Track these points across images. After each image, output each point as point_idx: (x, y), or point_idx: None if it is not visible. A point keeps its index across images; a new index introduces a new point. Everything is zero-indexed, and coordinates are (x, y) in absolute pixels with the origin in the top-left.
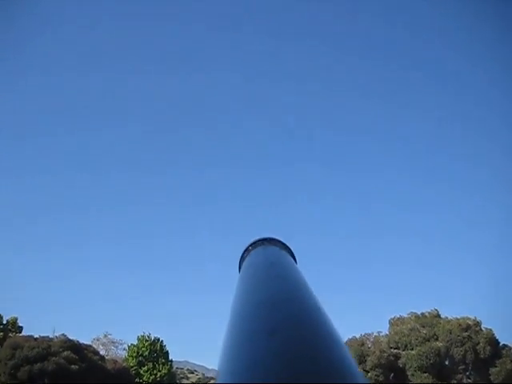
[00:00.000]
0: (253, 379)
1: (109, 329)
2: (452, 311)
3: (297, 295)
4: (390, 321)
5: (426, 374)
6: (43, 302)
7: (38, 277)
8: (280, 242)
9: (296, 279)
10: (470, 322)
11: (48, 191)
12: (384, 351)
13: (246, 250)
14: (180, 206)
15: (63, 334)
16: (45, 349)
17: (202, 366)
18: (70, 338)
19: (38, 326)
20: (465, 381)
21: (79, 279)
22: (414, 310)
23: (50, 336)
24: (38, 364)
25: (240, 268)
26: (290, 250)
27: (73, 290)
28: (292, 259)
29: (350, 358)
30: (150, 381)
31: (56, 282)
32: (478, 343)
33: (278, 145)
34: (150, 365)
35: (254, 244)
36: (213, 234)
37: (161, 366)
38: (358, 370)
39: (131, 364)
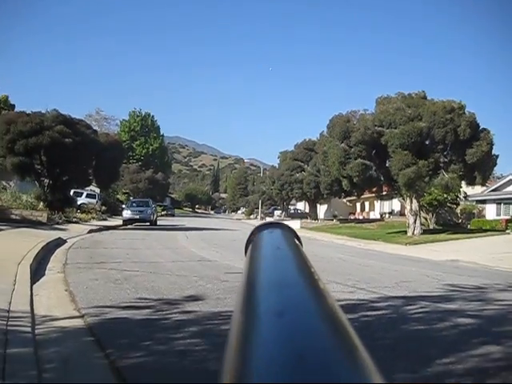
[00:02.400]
0: (261, 359)
1: (100, 105)
2: (438, 94)
3: (303, 278)
4: (376, 100)
5: (406, 152)
6: (34, 78)
7: (29, 50)
8: (286, 225)
9: (302, 263)
10: (454, 105)
11: None
12: (369, 128)
13: (252, 234)
14: None
15: (55, 110)
16: (38, 124)
17: (193, 141)
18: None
19: (29, 103)
20: (442, 159)
21: (70, 51)
22: (401, 91)
23: (43, 111)
24: (33, 138)
25: (246, 252)
26: (295, 233)
27: (64, 63)
28: (298, 243)
29: (356, 339)
30: (143, 154)
31: (47, 55)
32: (460, 125)
33: None
34: (142, 139)
35: (260, 228)
36: None
37: (152, 140)
38: (364, 351)
39: (124, 139)
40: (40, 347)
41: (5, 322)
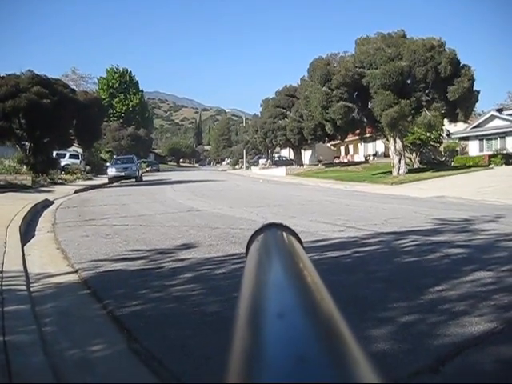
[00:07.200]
0: (262, 360)
1: (76, 64)
2: (418, 32)
3: (303, 280)
4: (356, 41)
5: (388, 92)
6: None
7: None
8: (287, 227)
9: (303, 264)
10: (434, 43)
11: None
12: (349, 70)
13: (253, 236)
14: None
15: (30, 70)
16: (13, 86)
17: (173, 95)
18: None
19: (2, 66)
20: (423, 98)
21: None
22: (380, 31)
23: (17, 73)
24: (10, 101)
25: (247, 253)
26: (296, 235)
27: (37, 24)
28: (299, 244)
29: (353, 340)
30: (123, 111)
31: (19, 15)
32: (440, 63)
33: None
34: (122, 96)
35: (261, 230)
36: None
37: (132, 96)
38: (361, 353)
39: (103, 96)
40: (37, 303)
41: None
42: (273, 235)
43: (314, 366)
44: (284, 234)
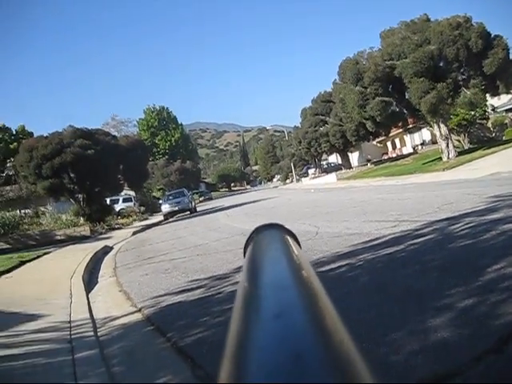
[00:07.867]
0: (258, 360)
1: (114, 111)
2: (442, 12)
3: (300, 280)
4: (380, 34)
5: (422, 79)
6: (45, 97)
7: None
8: (284, 227)
9: (301, 264)
10: (460, 20)
11: None
12: (379, 65)
13: (250, 238)
14: None
15: (70, 126)
16: (58, 143)
17: (213, 123)
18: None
19: (45, 126)
20: (459, 77)
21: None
22: (403, 19)
23: (59, 131)
24: (57, 158)
25: (245, 253)
26: (293, 235)
27: (73, 78)
28: (297, 244)
29: (349, 340)
30: (167, 147)
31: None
32: (470, 39)
33: None
34: (163, 133)
35: (258, 230)
36: None
37: (173, 131)
38: (356, 352)
39: (145, 137)
40: (105, 347)
41: (68, 332)
42: (270, 236)
43: (311, 366)
44: (280, 233)
